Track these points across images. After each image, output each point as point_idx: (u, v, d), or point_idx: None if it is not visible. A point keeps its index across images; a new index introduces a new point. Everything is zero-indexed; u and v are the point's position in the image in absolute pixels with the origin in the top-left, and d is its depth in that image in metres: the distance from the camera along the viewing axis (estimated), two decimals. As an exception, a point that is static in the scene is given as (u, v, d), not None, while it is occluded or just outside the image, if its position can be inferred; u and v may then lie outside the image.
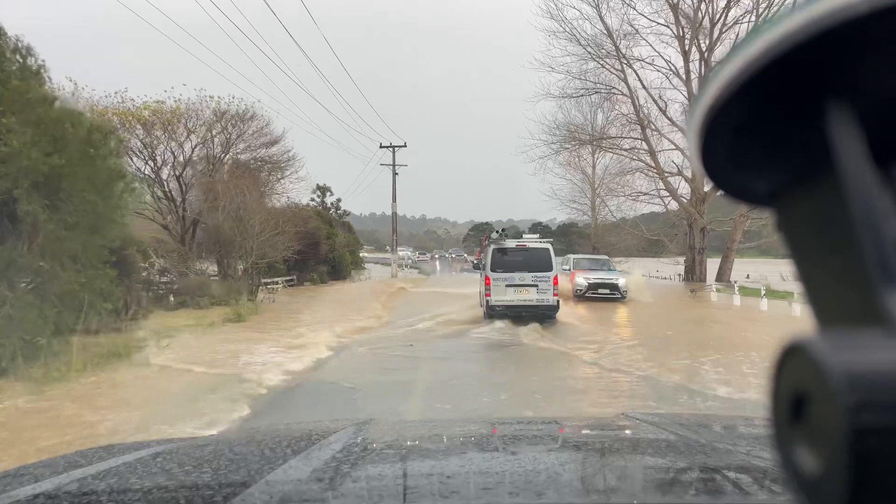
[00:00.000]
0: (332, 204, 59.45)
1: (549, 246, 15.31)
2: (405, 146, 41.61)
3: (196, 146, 23.61)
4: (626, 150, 34.62)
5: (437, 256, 61.99)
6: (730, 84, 0.36)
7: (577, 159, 43.81)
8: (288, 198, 31.78)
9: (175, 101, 22.48)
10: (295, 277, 29.99)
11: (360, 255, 61.66)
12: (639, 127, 33.82)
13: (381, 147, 41.66)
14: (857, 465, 0.26)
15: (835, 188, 0.34)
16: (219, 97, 23.31)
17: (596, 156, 43.35)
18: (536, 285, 14.45)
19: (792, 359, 0.30)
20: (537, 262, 14.63)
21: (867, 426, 0.26)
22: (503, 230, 17.28)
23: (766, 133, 0.37)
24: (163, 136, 22.78)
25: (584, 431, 1.76)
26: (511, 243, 15.26)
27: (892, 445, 0.26)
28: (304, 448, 1.31)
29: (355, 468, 1.14)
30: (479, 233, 34.57)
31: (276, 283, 28.12)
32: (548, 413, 6.52)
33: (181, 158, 23.45)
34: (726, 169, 0.41)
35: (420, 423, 2.39)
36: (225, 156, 23.88)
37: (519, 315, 14.17)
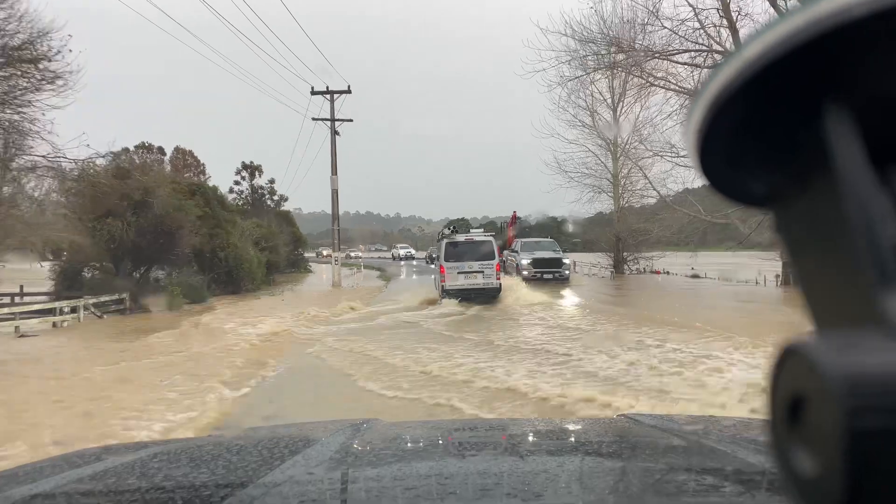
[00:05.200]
0: (263, 188, 45.89)
1: (491, 239, 18.22)
2: (349, 92, 28.13)
3: None
4: (691, 66, 21.15)
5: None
6: (729, 84, 0.36)
7: (591, 116, 30.66)
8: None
9: None
10: (127, 296, 16.46)
11: (306, 253, 48.16)
12: (711, 38, 20.86)
13: (313, 94, 28.12)
14: (854, 468, 0.26)
15: (832, 189, 0.33)
16: None
17: (621, 107, 30.29)
18: (482, 271, 17.04)
19: (790, 361, 0.30)
20: (483, 253, 17.36)
21: (864, 428, 0.26)
22: (453, 227, 19.96)
23: (764, 134, 0.38)
24: None
25: (582, 433, 1.73)
26: (461, 237, 18.00)
27: (889, 448, 0.26)
28: (302, 448, 1.30)
29: (353, 469, 1.18)
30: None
31: (63, 311, 14.60)
32: None
33: None
34: (724, 169, 0.41)
35: (418, 423, 2.25)
36: None
37: (468, 297, 16.42)
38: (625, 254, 32.46)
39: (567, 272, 24.64)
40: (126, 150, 43.79)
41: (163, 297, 17.65)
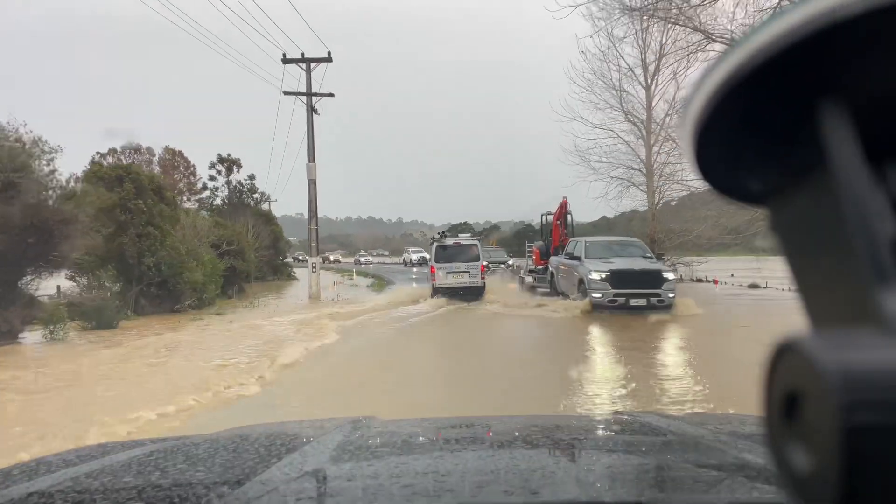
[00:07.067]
0: (242, 184, 40.57)
1: (476, 242, 20.00)
2: (329, 60, 22.84)
3: None
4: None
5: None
6: (725, 82, 0.36)
7: (619, 96, 25.30)
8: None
9: None
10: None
11: (289, 258, 42.86)
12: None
13: (285, 62, 22.88)
14: (849, 464, 0.26)
15: (828, 187, 0.34)
16: None
17: (655, 84, 24.97)
18: (468, 272, 18.79)
19: (785, 358, 0.30)
20: (469, 255, 19.09)
21: (860, 425, 0.26)
22: (443, 232, 21.81)
23: (760, 131, 0.38)
24: None
25: (578, 429, 1.69)
26: (449, 241, 19.75)
27: (884, 444, 0.26)
28: (300, 446, 1.30)
29: (350, 466, 1.18)
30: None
31: None
32: None
33: None
34: (720, 167, 0.41)
35: (416, 421, 2.08)
36: None
37: (456, 294, 18.13)
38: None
39: (672, 295, 13.89)
40: (113, 150, 39.71)
41: (51, 319, 12.44)
